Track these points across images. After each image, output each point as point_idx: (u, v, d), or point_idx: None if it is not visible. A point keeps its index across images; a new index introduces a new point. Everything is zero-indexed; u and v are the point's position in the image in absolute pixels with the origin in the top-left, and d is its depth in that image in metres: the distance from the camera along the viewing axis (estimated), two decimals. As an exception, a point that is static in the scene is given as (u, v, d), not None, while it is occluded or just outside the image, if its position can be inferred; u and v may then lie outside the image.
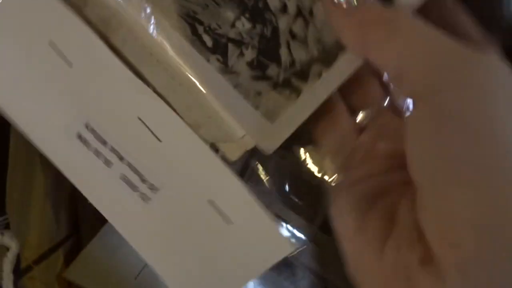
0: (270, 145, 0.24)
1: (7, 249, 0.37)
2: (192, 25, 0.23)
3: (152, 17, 0.24)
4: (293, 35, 0.23)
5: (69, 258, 0.42)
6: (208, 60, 0.23)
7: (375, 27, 0.20)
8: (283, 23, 0.23)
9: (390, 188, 0.22)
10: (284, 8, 0.23)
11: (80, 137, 0.26)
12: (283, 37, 0.23)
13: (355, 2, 0.21)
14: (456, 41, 0.19)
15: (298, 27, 0.23)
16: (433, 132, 0.18)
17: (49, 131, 0.27)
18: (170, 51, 0.24)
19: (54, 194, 0.40)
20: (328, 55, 0.23)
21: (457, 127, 0.17)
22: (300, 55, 0.23)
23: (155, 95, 0.24)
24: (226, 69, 0.23)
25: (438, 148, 0.18)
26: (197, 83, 0.24)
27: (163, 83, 0.24)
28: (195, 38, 0.23)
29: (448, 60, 0.19)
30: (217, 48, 0.23)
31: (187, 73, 0.24)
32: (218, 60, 0.23)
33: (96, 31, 0.24)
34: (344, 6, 0.21)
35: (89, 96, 0.26)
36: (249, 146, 0.25)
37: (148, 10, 0.24)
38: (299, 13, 0.23)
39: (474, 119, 0.17)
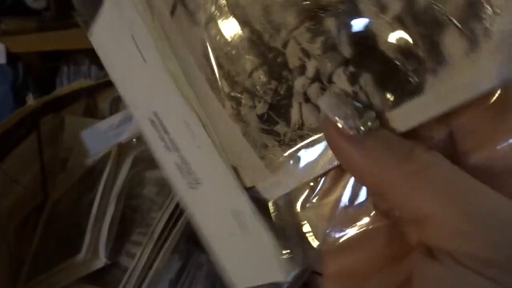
0: (270, 195, 0.24)
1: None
2: (211, 67, 0.23)
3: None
4: (306, 99, 0.21)
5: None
6: (223, 106, 0.24)
7: (390, 161, 0.17)
8: (298, 84, 0.21)
9: None
10: (302, 69, 0.21)
11: (151, 121, 0.31)
12: (296, 98, 0.22)
13: (363, 128, 0.18)
14: None
15: (313, 92, 0.21)
16: None
17: (140, 110, 0.32)
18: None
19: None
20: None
21: None
22: (311, 120, 0.22)
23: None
24: (238, 116, 0.24)
25: None
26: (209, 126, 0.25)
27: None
28: (214, 80, 0.24)
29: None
30: (233, 95, 0.23)
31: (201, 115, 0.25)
32: (232, 107, 0.24)
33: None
34: (351, 133, 0.18)
35: (156, 91, 0.30)
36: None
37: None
38: (317, 77, 0.21)
39: None
